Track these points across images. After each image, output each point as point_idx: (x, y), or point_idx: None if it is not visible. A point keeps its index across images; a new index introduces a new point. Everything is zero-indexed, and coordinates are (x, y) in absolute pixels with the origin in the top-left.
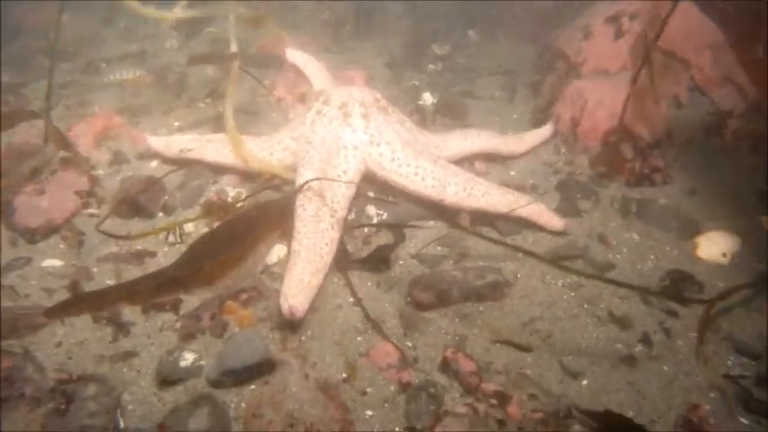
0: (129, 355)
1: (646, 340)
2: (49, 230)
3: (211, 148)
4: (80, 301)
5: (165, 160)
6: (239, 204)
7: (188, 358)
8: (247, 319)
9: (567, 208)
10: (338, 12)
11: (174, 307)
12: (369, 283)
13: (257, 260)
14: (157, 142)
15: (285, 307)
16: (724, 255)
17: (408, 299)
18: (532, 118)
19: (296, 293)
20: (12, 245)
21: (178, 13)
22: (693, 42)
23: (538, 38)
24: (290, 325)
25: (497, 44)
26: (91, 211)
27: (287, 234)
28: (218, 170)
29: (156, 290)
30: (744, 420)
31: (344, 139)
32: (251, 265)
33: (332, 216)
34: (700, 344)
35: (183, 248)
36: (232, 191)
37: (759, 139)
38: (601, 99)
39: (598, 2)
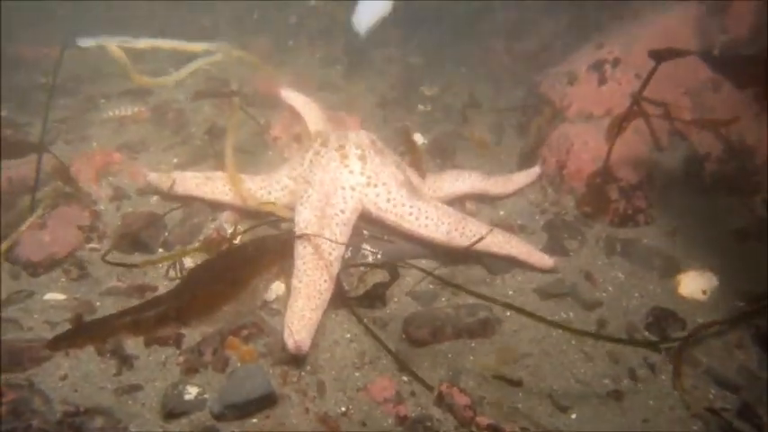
0: (133, 388)
1: (632, 375)
2: (52, 264)
3: (211, 185)
4: (82, 332)
5: (165, 196)
6: (237, 238)
7: (192, 392)
8: (249, 354)
9: (554, 247)
10: (329, 52)
11: (177, 341)
12: (365, 320)
13: (256, 297)
14: (157, 179)
15: (290, 342)
16: (704, 292)
17: (403, 335)
18: (519, 159)
19: (299, 329)
20: (14, 278)
21: (181, 73)
22: (674, 87)
23: (523, 80)
24: (295, 360)
25: (484, 85)
26: (92, 245)
27: (285, 272)
28: (218, 207)
29: (157, 321)
30: None
31: (342, 180)
32: (249, 301)
33: (330, 254)
34: (677, 378)
35: None
36: (230, 228)
37: (734, 182)
38: (586, 142)
39: (580, 50)
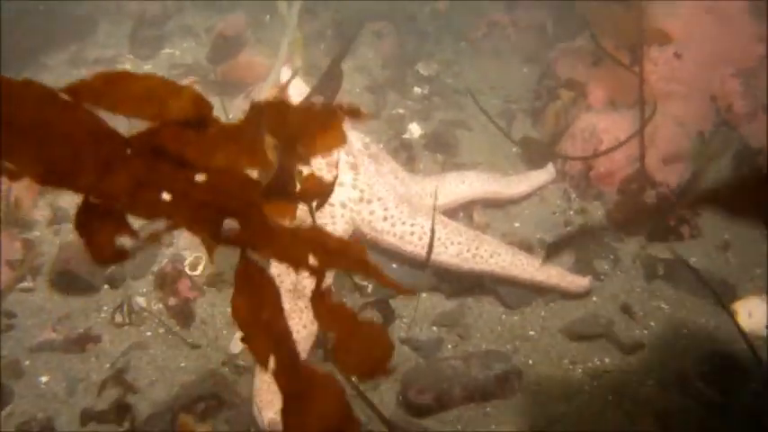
0: None
1: None
2: None
3: None
4: None
5: None
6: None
7: None
8: None
9: (582, 270)
10: (313, 28)
11: (119, 416)
12: (353, 377)
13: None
14: None
15: (260, 421)
16: None
17: (400, 398)
18: (523, 150)
19: (270, 400)
20: None
21: None
22: (722, 65)
23: (535, 55)
24: None
25: (490, 62)
26: (24, 284)
27: None
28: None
29: None
30: None
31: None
32: (210, 352)
33: None
34: None
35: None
36: (189, 255)
37: None
38: (618, 138)
39: None
